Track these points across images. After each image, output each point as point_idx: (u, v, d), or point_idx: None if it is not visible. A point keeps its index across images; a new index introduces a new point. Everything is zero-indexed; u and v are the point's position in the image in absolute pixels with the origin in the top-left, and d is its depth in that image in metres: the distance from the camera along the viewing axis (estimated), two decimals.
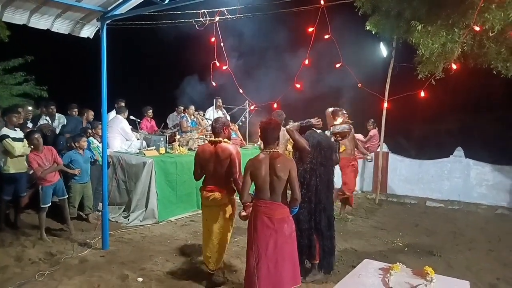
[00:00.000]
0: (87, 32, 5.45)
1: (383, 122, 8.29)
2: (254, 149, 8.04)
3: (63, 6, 4.83)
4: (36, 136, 5.39)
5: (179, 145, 7.48)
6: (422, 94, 4.92)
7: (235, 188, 4.12)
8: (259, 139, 5.33)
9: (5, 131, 5.55)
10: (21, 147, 5.56)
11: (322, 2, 4.54)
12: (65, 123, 7.43)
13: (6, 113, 5.77)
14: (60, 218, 5.90)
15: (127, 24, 5.89)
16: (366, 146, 9.51)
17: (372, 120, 9.34)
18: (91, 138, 6.57)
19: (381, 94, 7.74)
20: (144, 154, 6.72)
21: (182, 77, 11.15)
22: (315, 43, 4.77)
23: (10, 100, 10.09)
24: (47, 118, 7.29)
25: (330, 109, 5.34)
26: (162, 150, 7.06)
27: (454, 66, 5.11)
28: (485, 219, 7.20)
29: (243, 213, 3.69)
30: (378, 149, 8.81)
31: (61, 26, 5.21)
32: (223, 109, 9.77)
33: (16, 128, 5.73)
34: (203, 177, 4.27)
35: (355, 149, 6.93)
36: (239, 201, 3.72)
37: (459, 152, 8.45)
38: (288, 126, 4.20)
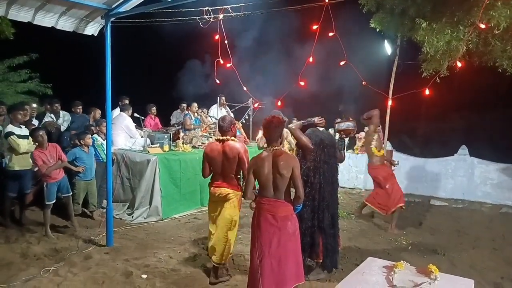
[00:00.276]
0: (92, 29, 5.47)
1: (387, 120, 8.26)
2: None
3: (68, 3, 4.85)
4: (40, 133, 5.41)
5: (183, 143, 7.49)
6: (427, 92, 4.89)
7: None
8: (258, 135, 5.31)
9: (10, 128, 5.59)
10: (26, 144, 5.59)
11: (326, 0, 4.52)
12: (70, 120, 7.47)
13: (12, 111, 5.80)
14: (64, 215, 5.93)
15: (132, 21, 5.90)
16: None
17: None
18: (95, 135, 6.60)
19: (386, 92, 7.71)
20: (148, 152, 6.74)
21: (186, 75, 11.15)
22: (319, 41, 4.76)
23: (15, 97, 10.14)
24: (52, 115, 7.32)
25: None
26: (166, 147, 7.08)
27: (459, 64, 5.07)
28: (490, 217, 7.17)
29: (254, 205, 3.72)
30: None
31: (66, 24, 5.23)
32: (227, 107, 9.77)
33: (21, 126, 5.76)
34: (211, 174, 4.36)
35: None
36: None
37: (463, 150, 8.41)
38: (290, 125, 4.19)
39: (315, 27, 4.67)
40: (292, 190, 3.36)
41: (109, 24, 5.01)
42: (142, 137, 7.39)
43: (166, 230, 5.88)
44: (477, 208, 7.76)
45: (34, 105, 7.48)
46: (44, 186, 5.47)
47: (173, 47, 11.46)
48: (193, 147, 7.71)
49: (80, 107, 7.68)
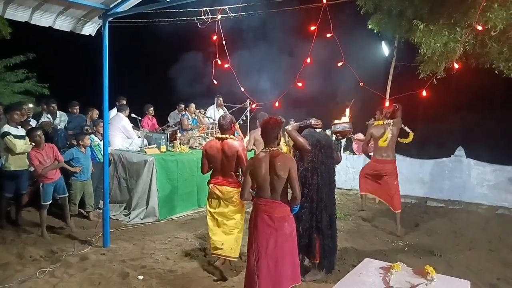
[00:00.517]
0: (89, 29, 5.45)
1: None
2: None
3: (65, 3, 4.83)
4: (38, 133, 5.39)
5: (180, 143, 7.48)
6: (424, 93, 4.90)
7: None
8: (246, 139, 5.29)
9: (7, 128, 5.56)
10: (22, 145, 5.57)
11: (324, 1, 4.52)
12: (67, 120, 7.45)
13: (8, 111, 5.78)
14: (61, 215, 5.91)
15: (129, 21, 5.88)
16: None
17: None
18: (92, 135, 6.58)
19: (383, 93, 7.73)
20: (145, 152, 6.72)
21: (183, 75, 11.13)
22: (317, 42, 4.75)
23: (12, 97, 10.11)
24: (49, 115, 7.30)
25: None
26: (163, 148, 7.06)
27: (456, 66, 5.09)
28: (486, 219, 7.19)
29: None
30: None
31: (63, 24, 5.21)
32: (224, 108, 9.76)
33: (17, 126, 5.74)
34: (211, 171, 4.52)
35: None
36: None
37: (460, 152, 8.42)
38: (287, 127, 4.20)
39: (313, 28, 4.67)
40: (289, 191, 3.36)
41: (107, 24, 4.99)
42: (139, 137, 7.37)
43: (163, 231, 5.86)
44: (473, 210, 7.78)
45: (30, 105, 7.46)
46: (40, 186, 5.44)
47: (171, 47, 11.46)
48: (191, 147, 7.69)
49: (77, 107, 7.66)
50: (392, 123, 6.05)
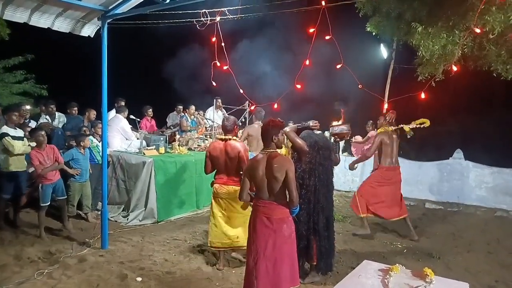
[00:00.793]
0: (88, 31, 5.46)
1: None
2: None
3: (64, 4, 4.83)
4: (42, 133, 5.44)
5: (179, 145, 7.48)
6: (422, 95, 4.92)
7: None
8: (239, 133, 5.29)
9: (5, 129, 5.56)
10: (21, 146, 5.56)
11: (323, 3, 4.54)
12: (65, 122, 7.44)
13: (6, 112, 5.78)
14: (59, 217, 5.89)
15: (128, 23, 5.88)
16: (364, 148, 9.52)
17: (371, 121, 9.35)
18: (90, 137, 6.57)
19: (382, 96, 7.75)
20: (144, 154, 6.72)
21: (182, 77, 11.13)
22: (316, 44, 4.77)
23: (10, 98, 10.09)
24: (47, 117, 7.29)
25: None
26: (162, 149, 7.06)
27: (454, 68, 5.11)
28: (484, 221, 7.20)
29: None
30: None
31: (62, 25, 5.21)
32: (223, 109, 9.77)
33: (16, 127, 5.74)
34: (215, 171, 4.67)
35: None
36: None
37: (458, 154, 8.45)
38: (285, 128, 4.20)
39: (311, 30, 4.68)
40: None
41: (106, 26, 5.00)
42: (137, 139, 7.37)
43: (162, 233, 5.85)
44: (472, 212, 7.79)
45: (28, 107, 7.40)
46: (40, 187, 5.44)
47: (170, 49, 11.46)
48: (189, 149, 7.69)
49: (76, 108, 7.65)
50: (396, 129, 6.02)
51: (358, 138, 9.39)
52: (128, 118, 7.63)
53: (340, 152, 6.10)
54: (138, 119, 7.94)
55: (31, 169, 6.17)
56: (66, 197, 5.73)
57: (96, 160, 6.46)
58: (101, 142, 6.43)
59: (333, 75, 6.62)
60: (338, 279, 3.83)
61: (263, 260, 3.25)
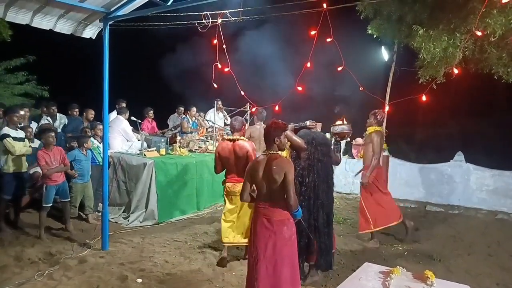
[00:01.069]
0: (90, 32, 5.46)
1: (384, 126, 8.29)
2: None
3: (66, 6, 4.84)
4: (52, 134, 5.49)
5: (179, 147, 7.49)
6: (424, 98, 4.92)
7: None
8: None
9: (6, 130, 5.57)
10: (21, 147, 5.57)
11: (324, 6, 4.55)
12: (66, 123, 7.45)
13: (7, 113, 5.79)
14: (60, 218, 5.90)
15: (130, 25, 5.90)
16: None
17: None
18: (91, 138, 6.58)
19: (383, 98, 7.75)
20: (145, 155, 6.72)
21: (183, 78, 11.15)
22: (317, 46, 4.78)
23: (11, 99, 10.12)
24: (48, 118, 7.30)
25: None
26: (163, 151, 7.07)
27: (455, 71, 5.12)
28: (485, 224, 7.19)
29: None
30: None
31: (64, 27, 5.22)
32: (224, 111, 9.78)
33: (17, 128, 5.75)
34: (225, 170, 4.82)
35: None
36: None
37: (459, 156, 8.44)
38: None
39: (313, 32, 4.70)
40: None
41: (108, 28, 5.01)
42: (138, 140, 7.38)
43: (162, 234, 5.85)
44: (472, 214, 7.77)
45: (22, 112, 7.25)
46: (44, 188, 5.46)
47: (171, 51, 11.48)
48: (190, 150, 7.69)
49: (77, 109, 7.66)
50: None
51: (359, 140, 9.39)
52: (129, 120, 7.64)
53: (341, 153, 6.09)
54: (139, 121, 7.95)
55: (32, 170, 6.19)
56: (69, 199, 5.74)
57: (96, 161, 6.47)
58: (101, 143, 6.45)
59: (334, 77, 6.63)
60: (338, 281, 3.83)
61: (263, 262, 3.25)
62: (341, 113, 5.51)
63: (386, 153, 8.93)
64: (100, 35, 5.27)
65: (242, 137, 4.75)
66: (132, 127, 7.71)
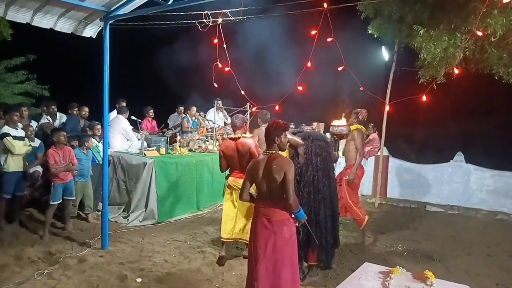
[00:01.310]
0: (90, 31, 5.47)
1: (384, 126, 8.29)
2: None
3: (67, 5, 4.84)
4: (64, 133, 5.57)
5: (179, 146, 7.48)
6: (424, 98, 4.91)
7: None
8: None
9: (6, 129, 5.58)
10: (21, 146, 5.57)
11: (325, 5, 4.55)
12: (63, 122, 7.42)
13: (7, 112, 5.79)
14: (59, 217, 5.90)
15: (130, 24, 5.89)
16: (365, 150, 9.51)
17: (372, 124, 9.36)
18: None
19: (383, 98, 7.74)
20: (145, 155, 6.72)
21: (183, 78, 11.14)
22: (317, 46, 4.78)
23: (12, 98, 10.11)
24: (48, 117, 7.29)
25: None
26: (163, 150, 7.06)
27: (456, 71, 5.11)
28: (485, 224, 7.19)
29: None
30: (379, 153, 8.81)
31: (64, 26, 5.22)
32: (224, 111, 9.77)
33: (17, 127, 5.75)
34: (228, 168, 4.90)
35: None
36: None
37: (459, 157, 8.45)
38: None
39: (313, 32, 4.69)
40: None
41: (108, 27, 5.01)
42: (138, 139, 7.38)
43: (162, 234, 5.85)
44: (472, 215, 7.78)
45: (24, 108, 7.25)
46: (51, 186, 5.49)
47: (172, 50, 11.48)
48: (190, 150, 7.69)
49: (77, 108, 7.64)
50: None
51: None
52: (129, 119, 7.63)
53: (341, 152, 6.09)
54: (139, 120, 7.94)
55: (32, 169, 6.19)
56: (74, 197, 5.76)
57: (96, 160, 6.47)
58: (100, 142, 6.45)
59: (334, 77, 6.62)
60: (338, 281, 3.82)
61: (263, 261, 3.24)
62: (346, 105, 5.51)
63: (386, 153, 8.94)
64: (100, 34, 5.27)
65: (244, 134, 4.82)
66: (132, 127, 7.71)
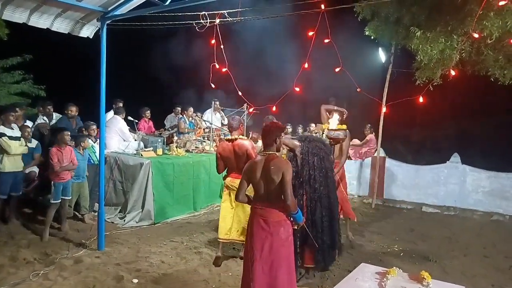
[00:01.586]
0: (87, 32, 5.45)
1: (381, 127, 8.31)
2: None
3: (64, 5, 4.82)
4: (68, 133, 5.64)
5: (176, 147, 7.47)
6: (420, 99, 4.94)
7: None
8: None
9: (2, 129, 5.56)
10: (17, 146, 5.56)
11: (322, 7, 4.56)
12: (56, 122, 7.35)
13: (3, 112, 5.76)
14: (55, 218, 5.86)
15: (127, 24, 5.88)
16: (362, 151, 9.55)
17: (369, 125, 9.40)
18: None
19: (380, 99, 7.76)
20: (142, 155, 6.71)
21: (180, 78, 11.12)
22: (314, 47, 4.79)
23: (8, 98, 10.08)
24: (45, 117, 7.26)
25: (325, 107, 5.29)
26: (160, 151, 7.05)
27: (452, 73, 5.14)
28: (481, 225, 7.22)
29: None
30: (375, 154, 8.84)
31: (61, 26, 5.20)
32: (221, 111, 9.77)
33: (13, 127, 5.73)
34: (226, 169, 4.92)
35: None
36: None
37: (455, 158, 8.48)
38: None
39: (310, 33, 4.71)
40: None
41: (105, 27, 5.00)
42: (135, 140, 7.36)
43: (158, 235, 5.84)
44: (468, 216, 7.81)
45: (18, 108, 7.13)
46: (52, 185, 5.49)
47: (169, 51, 11.47)
48: (187, 151, 7.68)
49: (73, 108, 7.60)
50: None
51: (356, 141, 9.43)
52: (126, 119, 7.61)
53: (333, 154, 6.08)
54: (136, 121, 7.93)
55: (28, 170, 6.16)
56: (70, 197, 5.75)
57: (92, 160, 6.44)
58: (96, 143, 6.44)
59: (331, 78, 6.64)
60: (335, 282, 3.83)
61: (259, 262, 3.24)
62: (336, 104, 5.46)
63: (382, 154, 8.96)
64: (97, 35, 5.27)
65: (240, 136, 4.82)
66: (129, 127, 7.69)
